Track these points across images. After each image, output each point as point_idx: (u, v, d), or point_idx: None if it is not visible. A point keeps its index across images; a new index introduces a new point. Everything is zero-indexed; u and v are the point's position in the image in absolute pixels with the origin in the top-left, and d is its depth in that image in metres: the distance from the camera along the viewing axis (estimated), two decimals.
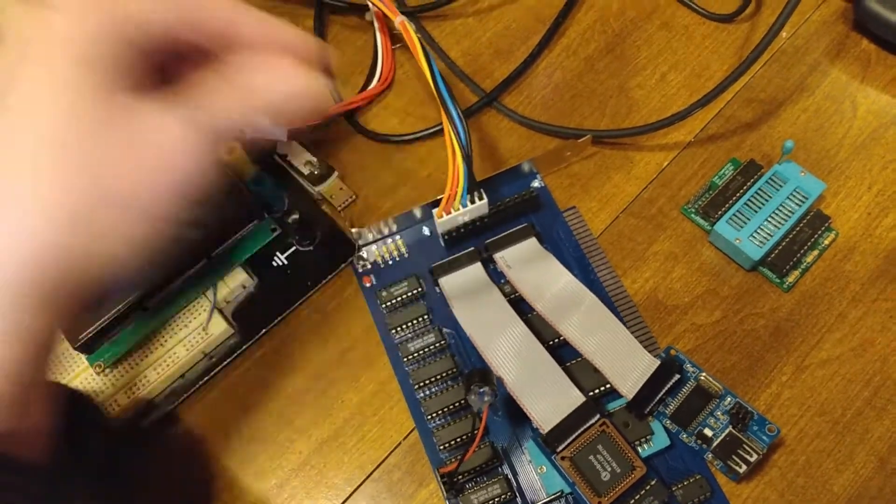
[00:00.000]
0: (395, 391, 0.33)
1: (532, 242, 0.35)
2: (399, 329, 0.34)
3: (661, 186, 0.37)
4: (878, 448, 0.31)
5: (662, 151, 0.38)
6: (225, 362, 0.33)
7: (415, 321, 0.34)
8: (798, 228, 0.34)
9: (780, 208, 0.34)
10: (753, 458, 0.29)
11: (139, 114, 0.21)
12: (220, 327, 0.33)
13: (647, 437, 0.30)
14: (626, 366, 0.31)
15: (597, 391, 0.31)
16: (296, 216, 0.34)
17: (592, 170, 0.38)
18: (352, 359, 0.34)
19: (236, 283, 0.34)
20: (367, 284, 0.35)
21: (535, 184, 0.37)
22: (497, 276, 0.35)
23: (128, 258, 0.22)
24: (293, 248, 0.36)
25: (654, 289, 0.35)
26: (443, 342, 0.33)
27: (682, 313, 0.34)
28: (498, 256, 0.35)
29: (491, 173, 0.36)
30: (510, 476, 0.31)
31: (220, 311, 0.34)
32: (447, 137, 0.33)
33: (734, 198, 0.35)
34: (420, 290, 0.35)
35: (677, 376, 0.31)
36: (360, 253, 0.36)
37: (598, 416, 0.30)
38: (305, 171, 0.37)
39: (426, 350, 0.33)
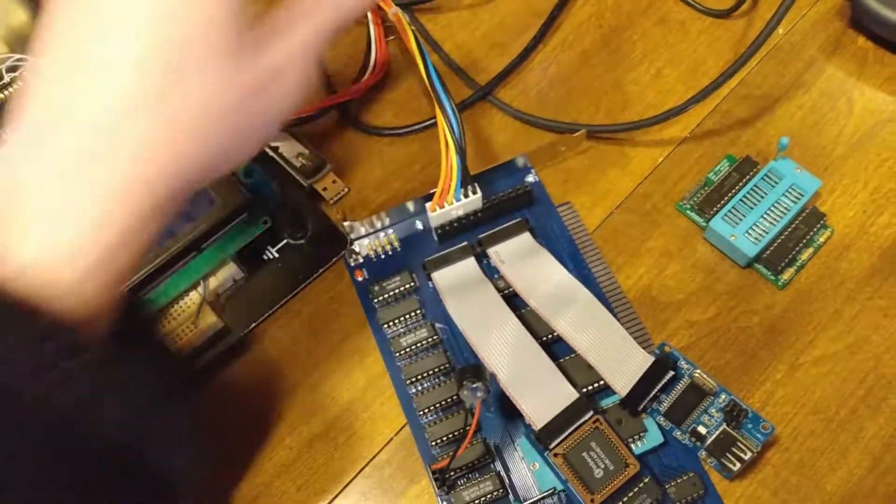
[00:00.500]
0: (386, 386, 0.33)
1: (526, 237, 0.35)
2: (391, 324, 0.34)
3: (657, 182, 0.37)
4: (872, 447, 0.31)
5: (658, 147, 0.38)
6: (214, 355, 0.33)
7: (407, 316, 0.34)
8: (793, 226, 0.34)
9: (776, 205, 0.34)
10: (747, 456, 0.29)
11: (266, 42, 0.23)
12: (209, 320, 0.33)
13: (641, 435, 0.30)
14: (620, 362, 0.31)
15: (590, 388, 0.31)
16: (287, 209, 0.34)
17: (587, 165, 0.37)
18: (343, 354, 0.34)
19: (226, 276, 0.34)
20: (360, 279, 0.35)
21: (530, 178, 0.37)
22: (491, 271, 0.34)
23: (234, 166, 0.25)
24: (284, 242, 0.35)
25: (649, 285, 0.34)
26: (435, 337, 0.33)
27: (676, 310, 0.34)
28: (492, 251, 0.34)
29: (485, 167, 0.36)
30: (502, 473, 0.31)
31: (210, 305, 0.33)
32: (441, 131, 0.33)
33: (730, 194, 0.35)
34: (413, 284, 0.34)
35: (671, 373, 0.31)
36: (353, 247, 0.35)
37: (591, 412, 0.30)
38: (297, 163, 0.36)
39: (418, 345, 0.33)
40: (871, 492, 0.30)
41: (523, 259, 0.34)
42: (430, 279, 0.34)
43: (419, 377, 0.32)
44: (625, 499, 0.29)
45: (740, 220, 0.34)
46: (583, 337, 0.32)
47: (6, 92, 0.35)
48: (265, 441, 0.32)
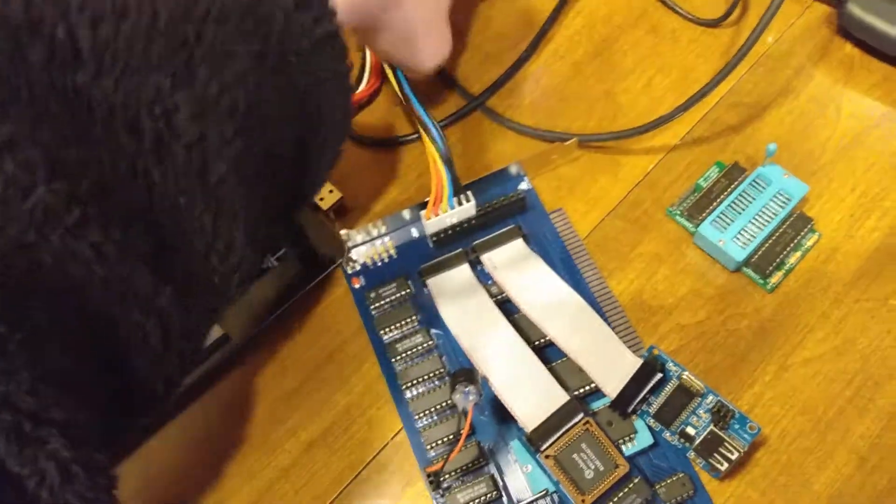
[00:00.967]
0: (383, 391, 0.34)
1: (519, 244, 0.35)
2: (388, 330, 0.34)
3: (647, 189, 0.37)
4: (859, 446, 0.31)
5: (648, 154, 0.38)
6: (215, 363, 0.34)
7: (403, 322, 0.34)
8: (781, 230, 0.35)
9: (764, 210, 0.35)
10: (734, 456, 0.30)
11: None
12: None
13: (631, 436, 0.31)
14: (610, 365, 0.32)
15: (581, 390, 0.32)
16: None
17: (579, 172, 0.38)
18: (341, 359, 0.35)
19: None
20: (357, 286, 0.36)
21: (523, 186, 0.37)
22: (484, 277, 0.35)
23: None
24: (283, 250, 0.36)
25: (640, 290, 0.35)
26: (431, 342, 0.34)
27: (666, 314, 0.34)
28: (485, 258, 0.35)
29: (479, 176, 0.37)
30: (496, 475, 0.31)
31: None
32: (426, 145, 0.34)
33: (718, 200, 0.36)
34: (409, 291, 0.35)
35: (659, 375, 0.31)
36: (350, 255, 0.36)
37: (581, 415, 0.31)
38: None
39: (414, 350, 0.34)
40: (858, 491, 0.30)
41: (516, 265, 0.35)
42: (426, 285, 0.35)
43: (415, 382, 0.33)
44: (615, 499, 0.29)
45: (728, 224, 0.34)
46: (573, 341, 0.32)
47: None
48: (264, 446, 0.33)
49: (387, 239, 0.37)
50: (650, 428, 0.31)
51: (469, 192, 0.35)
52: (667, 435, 0.31)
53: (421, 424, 0.32)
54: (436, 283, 0.35)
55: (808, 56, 0.41)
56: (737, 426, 0.30)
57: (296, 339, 0.35)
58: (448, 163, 0.34)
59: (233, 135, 0.25)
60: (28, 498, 0.20)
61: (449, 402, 0.32)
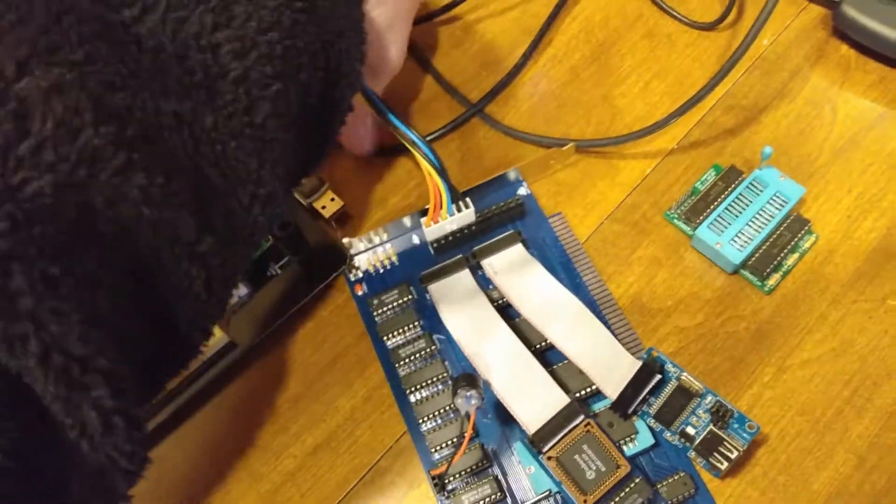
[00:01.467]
0: (386, 396, 0.34)
1: (519, 249, 0.36)
2: (390, 335, 0.35)
3: (645, 192, 0.38)
4: (858, 446, 0.31)
5: (646, 158, 0.39)
6: (222, 370, 0.34)
7: (406, 327, 0.35)
8: (778, 232, 0.35)
9: (761, 213, 0.35)
10: (734, 455, 0.30)
11: None
12: (216, 335, 0.34)
13: (632, 437, 0.31)
14: (610, 368, 0.32)
15: (582, 393, 0.32)
16: (289, 227, 0.35)
17: (578, 177, 0.39)
18: (344, 365, 0.35)
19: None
20: (359, 292, 0.36)
21: (522, 191, 0.38)
22: (485, 283, 0.36)
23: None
24: (286, 258, 0.37)
25: (639, 293, 0.35)
26: (433, 347, 0.34)
27: (665, 316, 0.35)
28: (485, 263, 0.35)
29: (478, 182, 0.37)
30: (500, 477, 0.32)
31: None
32: (419, 159, 0.35)
33: (715, 203, 0.36)
34: (411, 297, 0.35)
35: (658, 376, 0.32)
36: (352, 262, 0.37)
37: (582, 416, 0.31)
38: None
39: (417, 355, 0.34)
40: (856, 490, 0.31)
41: (516, 270, 0.35)
42: (427, 291, 0.35)
43: (418, 386, 0.34)
44: (616, 499, 0.30)
45: (725, 228, 0.35)
46: (573, 344, 0.33)
47: None
48: (270, 450, 0.34)
49: (388, 246, 0.37)
50: (651, 428, 0.32)
51: (468, 199, 0.36)
52: (667, 435, 0.31)
53: (425, 428, 0.33)
54: (437, 289, 0.35)
55: (803, 58, 0.41)
56: (736, 425, 0.31)
57: (300, 346, 0.36)
58: (442, 173, 0.35)
59: (273, 76, 0.26)
60: (65, 451, 0.20)
61: (452, 405, 0.33)
